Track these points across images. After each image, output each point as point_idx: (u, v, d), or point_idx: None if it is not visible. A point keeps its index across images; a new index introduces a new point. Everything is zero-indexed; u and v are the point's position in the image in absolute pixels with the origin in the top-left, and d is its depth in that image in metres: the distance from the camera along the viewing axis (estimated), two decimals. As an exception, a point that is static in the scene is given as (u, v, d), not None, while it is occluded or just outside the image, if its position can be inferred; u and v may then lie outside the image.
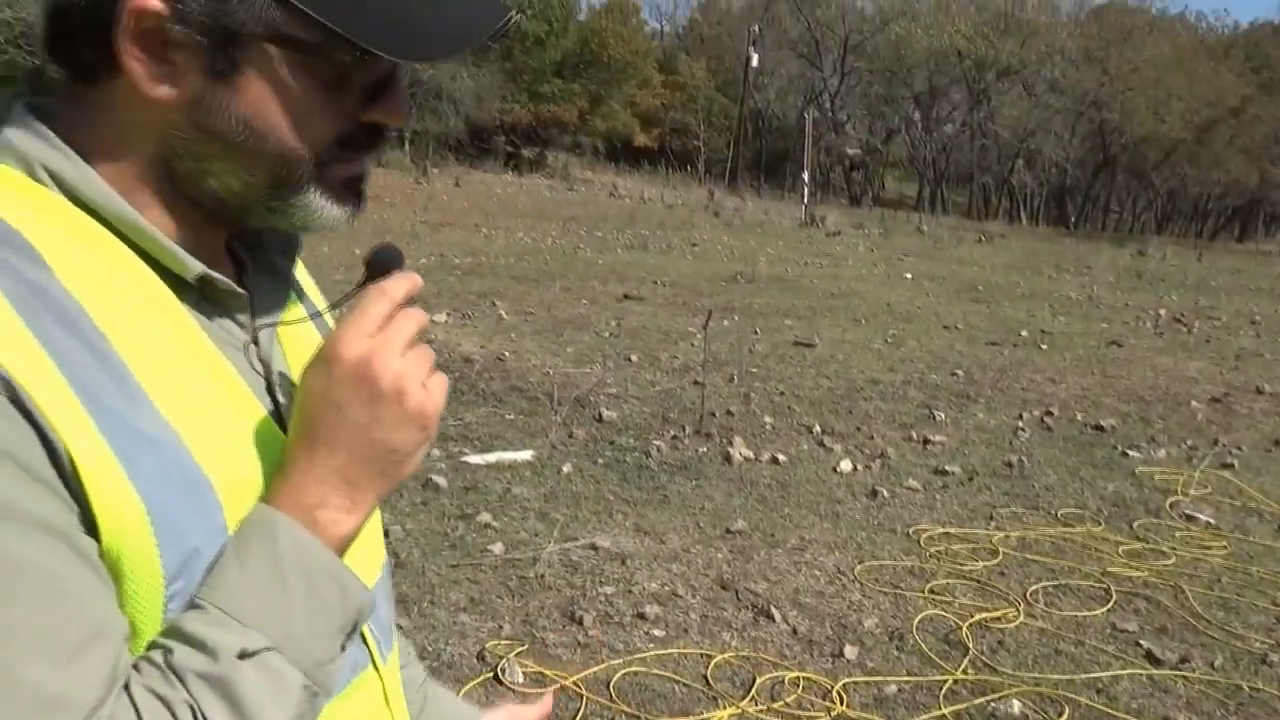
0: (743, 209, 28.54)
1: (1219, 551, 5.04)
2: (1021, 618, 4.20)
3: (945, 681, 3.67)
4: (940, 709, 3.49)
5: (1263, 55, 45.77)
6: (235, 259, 0.88)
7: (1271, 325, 12.91)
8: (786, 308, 11.75)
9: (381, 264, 0.80)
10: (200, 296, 0.80)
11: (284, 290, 0.90)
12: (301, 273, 1.01)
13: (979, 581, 4.55)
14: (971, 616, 4.17)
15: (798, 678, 3.65)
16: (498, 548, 4.53)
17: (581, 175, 37.56)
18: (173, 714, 0.66)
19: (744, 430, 6.54)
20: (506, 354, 8.09)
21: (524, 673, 3.54)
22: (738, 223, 24.53)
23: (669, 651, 3.78)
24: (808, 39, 47.38)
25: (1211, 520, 5.46)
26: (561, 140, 41.85)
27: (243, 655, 0.69)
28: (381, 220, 17.57)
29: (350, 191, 0.82)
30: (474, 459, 5.62)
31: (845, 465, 5.99)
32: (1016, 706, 3.51)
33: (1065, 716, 3.49)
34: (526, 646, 3.73)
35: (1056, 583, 4.58)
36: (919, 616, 4.15)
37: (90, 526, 0.66)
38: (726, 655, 3.77)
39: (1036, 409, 7.58)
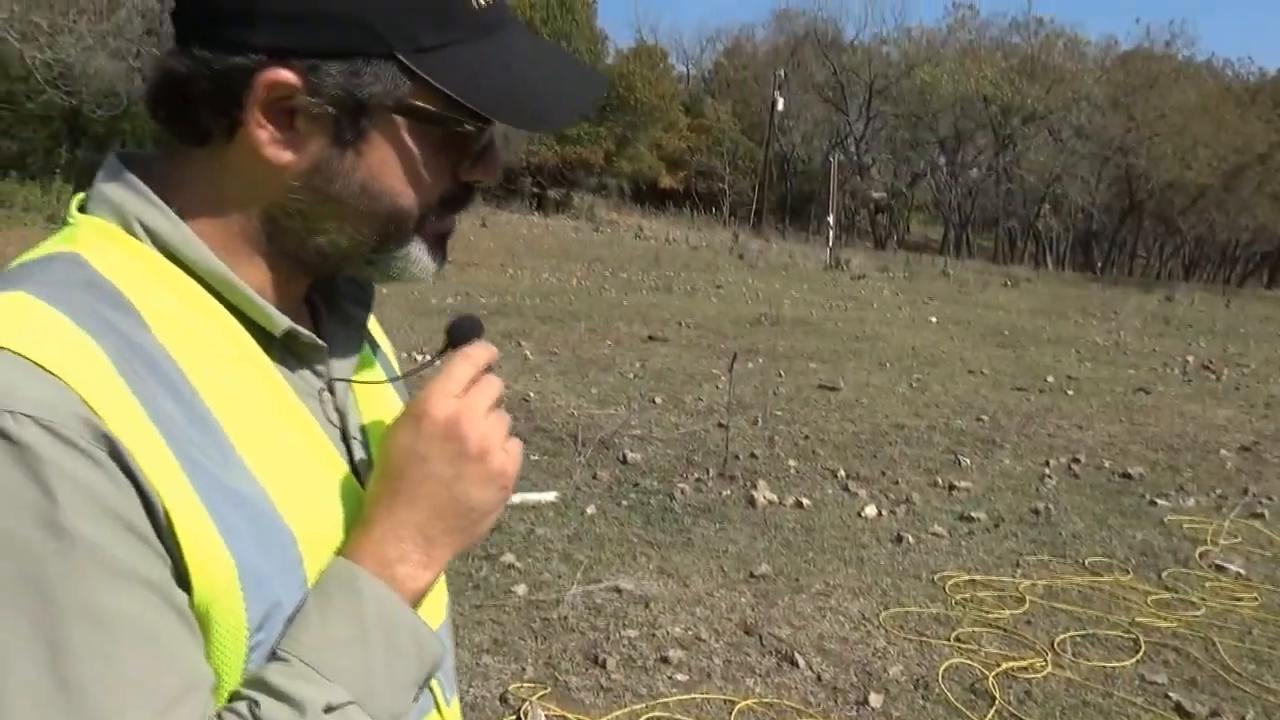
0: (767, 251, 28.60)
1: (1249, 603, 4.97)
2: (1049, 667, 4.15)
3: (971, 731, 3.62)
4: (966, 759, 3.45)
5: (1290, 102, 45.62)
6: (310, 305, 0.90)
7: (1302, 373, 12.78)
8: (811, 351, 11.74)
9: (462, 333, 0.85)
10: (283, 348, 0.82)
11: (357, 339, 0.92)
12: (373, 324, 1.03)
13: (1005, 630, 4.51)
14: (998, 665, 4.13)
15: (822, 725, 3.62)
16: (521, 589, 4.53)
17: (607, 216, 37.77)
18: None
19: (768, 473, 6.53)
20: (531, 394, 8.11)
21: (546, 716, 3.53)
22: (762, 265, 24.58)
23: (692, 696, 3.76)
24: (833, 83, 47.63)
25: (1242, 571, 5.39)
26: (588, 182, 42.13)
27: (328, 709, 0.71)
28: (409, 260, 17.69)
29: (440, 246, 0.86)
30: (498, 499, 5.62)
31: (870, 510, 5.96)
32: (1044, 758, 3.47)
33: (1094, 769, 3.44)
34: (549, 689, 3.72)
35: (1084, 632, 4.53)
36: (945, 665, 4.11)
37: (183, 580, 0.69)
38: (750, 701, 3.75)
39: (1063, 455, 7.53)
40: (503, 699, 3.64)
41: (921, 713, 3.76)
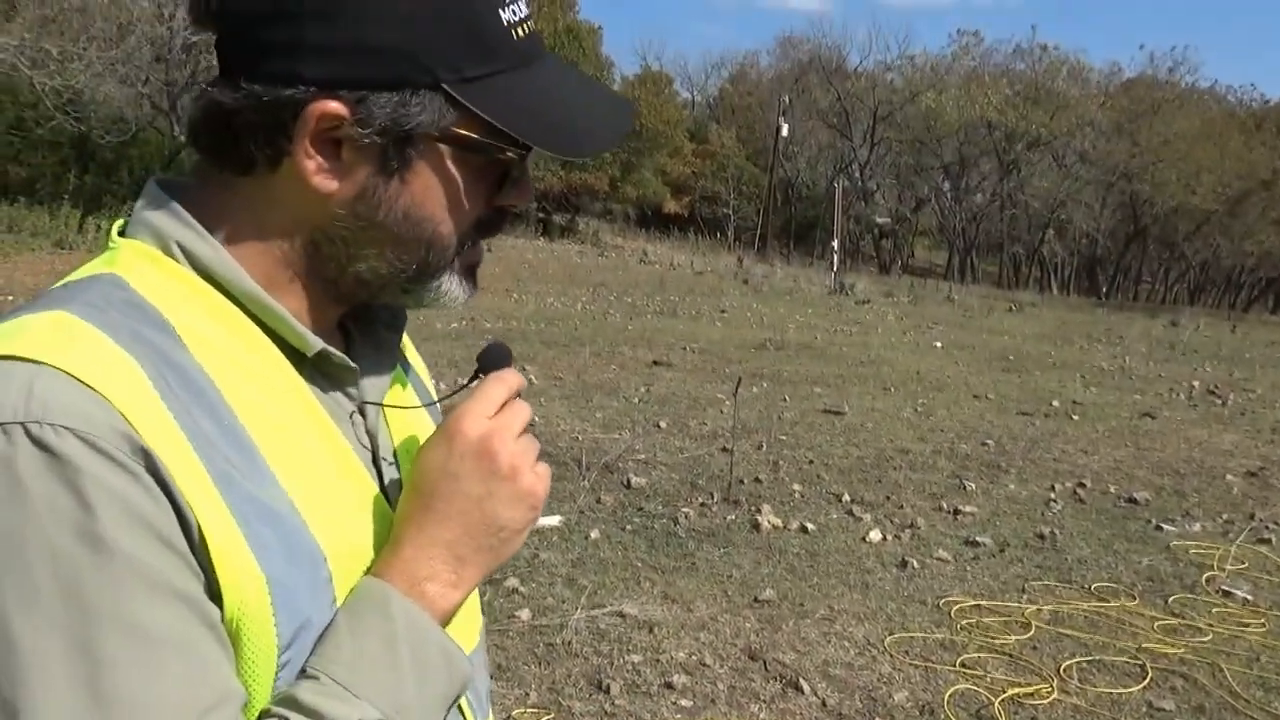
0: (772, 276, 28.64)
1: (1257, 629, 4.94)
2: (1055, 694, 4.13)
3: (977, 758, 3.60)
4: (972, 786, 3.43)
5: (1294, 129, 45.71)
6: (344, 330, 0.91)
7: (1308, 398, 12.75)
8: (815, 375, 11.74)
9: (492, 360, 0.87)
10: (318, 370, 0.84)
11: (389, 363, 0.93)
12: (407, 344, 1.05)
13: (1011, 656, 4.49)
14: (1004, 692, 4.11)
15: (826, 751, 3.60)
16: (525, 614, 4.52)
17: (612, 241, 37.85)
18: None
19: (772, 498, 6.52)
20: (536, 419, 8.11)
21: (550, 741, 3.51)
22: (767, 290, 24.60)
23: (696, 722, 3.74)
24: (838, 109, 47.85)
25: (1249, 596, 5.36)
26: (593, 207, 42.29)
27: None
28: (414, 284, 17.74)
29: (472, 273, 0.88)
30: (502, 523, 5.62)
31: (875, 535, 5.94)
32: (1050, 785, 3.44)
33: (1101, 797, 3.41)
34: (553, 715, 3.70)
35: (1091, 658, 4.51)
36: (950, 690, 4.09)
37: (214, 595, 0.70)
38: (754, 727, 3.73)
39: (1069, 480, 7.50)
40: (506, 724, 3.62)
41: (927, 739, 3.74)
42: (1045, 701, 4.07)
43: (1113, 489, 7.38)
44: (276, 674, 0.73)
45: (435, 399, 1.03)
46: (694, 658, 4.25)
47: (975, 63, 48.05)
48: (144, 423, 0.68)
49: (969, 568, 5.57)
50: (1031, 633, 4.73)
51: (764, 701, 3.94)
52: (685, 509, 6.16)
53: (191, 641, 0.68)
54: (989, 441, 8.65)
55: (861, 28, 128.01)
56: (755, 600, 4.89)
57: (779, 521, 6.05)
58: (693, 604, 4.80)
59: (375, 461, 0.86)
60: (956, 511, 6.53)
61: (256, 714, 0.72)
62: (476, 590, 1.02)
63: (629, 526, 5.82)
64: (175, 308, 0.76)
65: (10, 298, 11.82)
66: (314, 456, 0.79)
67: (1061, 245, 47.17)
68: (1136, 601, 5.23)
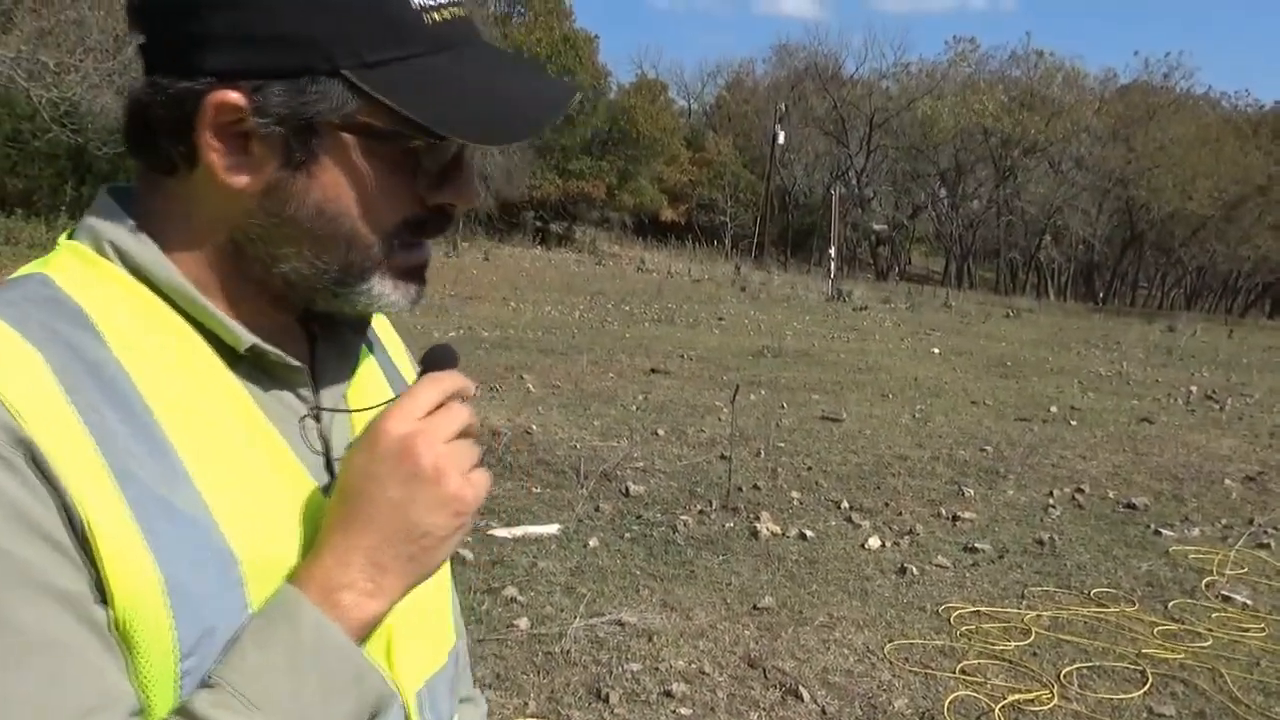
0: (769, 283, 28.67)
1: (1257, 634, 4.94)
2: (1055, 700, 4.12)
3: (978, 765, 3.59)
4: (973, 794, 3.42)
5: (1290, 134, 45.83)
6: (311, 333, 0.90)
7: (1306, 403, 12.76)
8: (813, 382, 11.74)
9: (435, 361, 0.83)
10: (257, 369, 0.82)
11: (351, 367, 0.91)
12: (395, 345, 1.04)
13: (1011, 662, 4.48)
14: (1004, 698, 4.10)
15: (827, 759, 3.59)
16: (524, 622, 4.51)
17: (609, 250, 37.91)
18: None
19: (771, 505, 6.51)
20: (534, 427, 8.11)
21: (549, 750, 3.50)
22: (764, 297, 24.63)
23: (696, 730, 3.73)
24: (834, 117, 47.93)
25: (1249, 601, 5.35)
26: (590, 215, 42.31)
27: None
28: (411, 293, 17.74)
29: (413, 277, 0.84)
30: (500, 532, 5.62)
31: (874, 542, 5.94)
32: (1051, 792, 3.43)
33: (1102, 803, 3.40)
34: (552, 724, 3.69)
35: (1091, 664, 4.50)
36: (950, 697, 4.08)
37: (103, 593, 0.68)
38: (754, 735, 3.72)
39: (1067, 486, 7.50)
40: (505, 734, 3.61)
41: (927, 746, 3.73)
42: (1045, 708, 4.06)
43: (1111, 494, 7.38)
44: (179, 681, 0.70)
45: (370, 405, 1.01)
46: (693, 666, 4.24)
47: (971, 69, 48.21)
48: (35, 415, 0.67)
49: (968, 574, 5.57)
50: (1031, 639, 4.73)
51: (763, 709, 3.93)
52: (684, 517, 6.15)
53: (67, 641, 0.66)
54: (987, 447, 8.64)
55: (857, 35, 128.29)
56: (754, 608, 4.88)
57: (778, 529, 6.04)
58: (692, 612, 4.79)
59: (329, 466, 0.84)
60: (955, 518, 6.53)
61: None
62: (451, 606, 1.00)
63: (628, 534, 5.82)
64: (102, 306, 0.75)
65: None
66: (240, 457, 0.77)
67: (1058, 251, 47.25)
68: (1136, 607, 5.23)
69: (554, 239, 38.47)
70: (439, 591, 0.97)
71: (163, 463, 0.72)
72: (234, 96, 0.73)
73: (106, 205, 0.81)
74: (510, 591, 4.82)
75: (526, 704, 3.82)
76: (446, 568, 0.99)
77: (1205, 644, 4.78)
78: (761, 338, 15.81)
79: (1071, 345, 18.77)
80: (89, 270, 0.78)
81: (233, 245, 0.79)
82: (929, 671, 4.34)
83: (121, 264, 0.78)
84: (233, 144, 0.75)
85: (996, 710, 3.98)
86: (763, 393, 10.68)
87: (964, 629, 4.80)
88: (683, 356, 13.07)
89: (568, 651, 4.28)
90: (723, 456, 7.43)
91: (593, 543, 5.58)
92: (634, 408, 9.44)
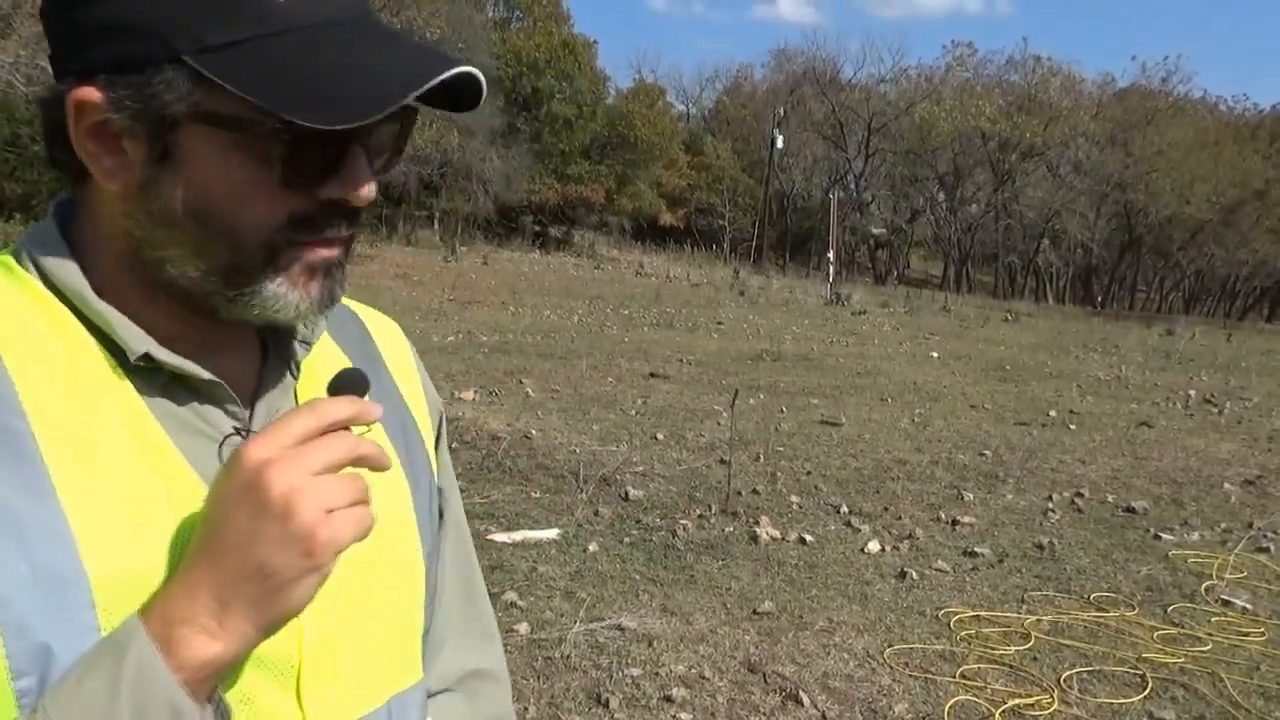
0: (768, 287, 28.68)
1: (1256, 638, 4.93)
2: (1056, 704, 4.11)
3: (978, 770, 3.59)
4: (973, 799, 3.41)
5: (1288, 137, 45.91)
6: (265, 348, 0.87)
7: (1304, 406, 12.76)
8: (812, 386, 11.74)
9: (339, 387, 0.76)
10: (176, 382, 0.79)
11: (293, 384, 0.87)
12: (400, 361, 1.01)
13: (1011, 667, 4.47)
14: (1004, 703, 4.09)
15: (827, 764, 3.58)
16: (523, 627, 4.51)
17: (608, 254, 37.96)
18: None
19: (771, 510, 6.51)
20: (533, 432, 8.10)
21: (549, 756, 3.50)
22: (763, 301, 24.64)
23: (696, 735, 3.72)
24: (832, 121, 48.01)
25: (1248, 605, 5.35)
26: (588, 219, 42.37)
27: None
28: (410, 298, 17.77)
29: (314, 278, 0.77)
30: (500, 537, 5.61)
31: (873, 546, 5.93)
32: (1052, 797, 3.43)
33: (1102, 808, 3.40)
34: (552, 729, 3.68)
35: (1091, 669, 4.50)
36: (950, 702, 4.08)
37: None
38: (754, 740, 3.71)
39: (1066, 490, 7.50)
40: (505, 739, 3.60)
41: (927, 751, 3.73)
42: (1046, 712, 4.05)
43: (1111, 498, 7.38)
44: (17, 701, 0.67)
45: (419, 425, 0.99)
46: (693, 671, 4.23)
47: (969, 74, 48.30)
48: None
49: (968, 578, 5.56)
50: (1031, 643, 4.72)
51: (764, 714, 3.93)
52: (683, 521, 6.15)
53: None
54: (986, 451, 8.64)
55: (855, 40, 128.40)
56: (754, 612, 4.88)
57: (777, 533, 6.04)
58: (691, 617, 4.79)
59: None
60: (955, 522, 6.52)
61: None
62: (412, 644, 0.93)
63: (627, 539, 5.81)
64: (3, 313, 0.74)
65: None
66: (122, 473, 0.73)
67: (1056, 255, 47.30)
68: (1136, 611, 5.22)
69: (552, 243, 38.52)
70: (391, 627, 0.90)
71: (23, 472, 0.69)
72: (91, 94, 0.71)
73: (48, 216, 0.80)
74: (510, 596, 4.82)
75: (526, 709, 3.82)
76: (415, 601, 0.94)
77: (1205, 648, 4.78)
78: (760, 342, 15.82)
79: (1070, 349, 18.78)
80: (4, 279, 0.77)
81: (130, 251, 0.77)
82: (929, 676, 4.33)
83: (36, 273, 0.77)
84: (107, 145, 0.73)
85: (997, 715, 3.98)
86: (762, 397, 10.68)
87: (964, 633, 4.80)
88: (682, 361, 13.07)
89: (567, 656, 4.27)
90: (722, 461, 7.42)
91: (592, 547, 5.58)
92: (633, 412, 9.44)
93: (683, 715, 3.86)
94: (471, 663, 1.07)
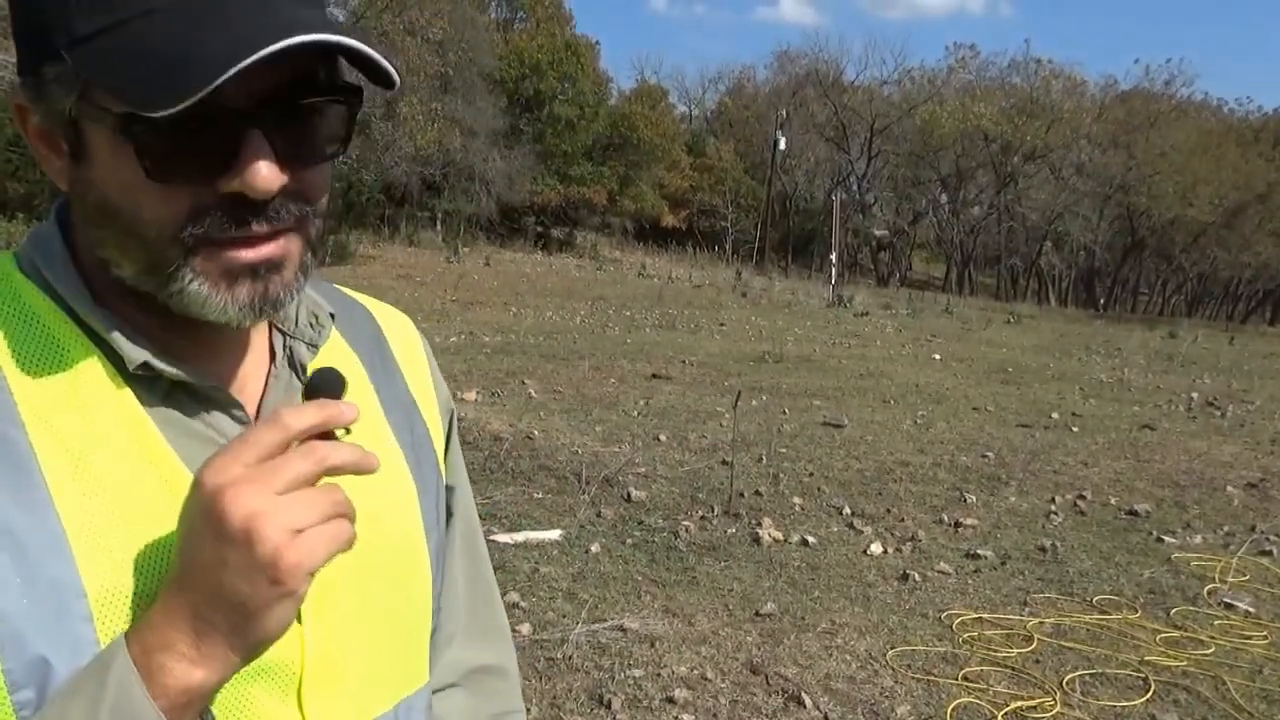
0: (770, 289, 28.67)
1: (1259, 641, 4.93)
2: (1058, 707, 4.11)
3: (981, 772, 3.58)
4: (976, 801, 3.41)
5: (1291, 140, 45.88)
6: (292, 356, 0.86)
7: (1307, 409, 12.75)
8: (815, 388, 11.73)
9: (314, 390, 0.73)
10: (183, 390, 0.78)
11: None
12: (415, 366, 0.99)
13: (1014, 669, 4.47)
14: (1007, 705, 4.09)
15: (829, 766, 3.58)
16: (525, 628, 4.51)
17: (610, 255, 37.94)
18: None
19: (773, 511, 6.51)
20: (535, 432, 8.10)
21: (551, 757, 3.50)
22: (765, 302, 24.63)
23: (698, 737, 3.72)
24: (835, 123, 48.00)
25: (1251, 609, 5.34)
26: (591, 220, 42.38)
27: None
28: (413, 299, 17.78)
29: (238, 281, 0.73)
30: (502, 538, 5.61)
31: (876, 548, 5.93)
32: (1054, 800, 3.42)
33: (1105, 811, 3.39)
34: (554, 730, 3.68)
35: (1093, 671, 4.49)
36: (953, 704, 4.07)
37: None
38: (756, 742, 3.71)
39: (1069, 492, 7.49)
40: (507, 740, 3.60)
41: (930, 753, 3.72)
42: (1048, 715, 4.05)
43: (1113, 501, 7.37)
44: (16, 713, 0.67)
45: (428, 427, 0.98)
46: (695, 672, 4.23)
47: (971, 76, 48.27)
48: None
49: (970, 580, 5.56)
50: (1034, 645, 4.72)
51: (766, 716, 3.92)
52: (686, 522, 6.14)
53: None
54: (989, 454, 8.64)
55: (858, 41, 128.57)
56: (756, 614, 4.88)
57: (780, 535, 6.03)
58: (694, 618, 4.78)
59: None
60: (957, 524, 6.52)
61: None
62: (418, 647, 0.92)
63: (629, 540, 5.81)
64: (3, 321, 0.74)
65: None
66: (121, 485, 0.72)
67: (1059, 257, 47.28)
68: (1138, 614, 5.22)
69: (555, 244, 38.51)
70: (398, 629, 0.89)
71: (22, 485, 0.68)
72: (20, 97, 0.72)
73: (49, 219, 0.80)
74: (512, 597, 4.82)
75: (529, 710, 3.82)
76: (423, 602, 0.94)
77: (1208, 651, 4.77)
78: (763, 343, 15.81)
79: (1073, 351, 18.77)
80: (3, 285, 0.76)
81: (91, 251, 0.76)
82: (931, 678, 4.33)
83: (36, 280, 0.77)
84: (51, 145, 0.74)
85: (999, 717, 3.98)
86: (764, 398, 10.67)
87: (966, 636, 4.79)
88: (684, 362, 13.06)
89: (570, 657, 4.27)
90: (724, 462, 7.42)
91: (594, 548, 5.58)
92: (635, 413, 9.44)
93: (685, 716, 3.86)
94: (480, 658, 1.07)
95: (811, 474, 7.56)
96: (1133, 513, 7.06)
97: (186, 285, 0.71)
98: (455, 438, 1.06)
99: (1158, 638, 4.90)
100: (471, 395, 9.50)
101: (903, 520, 6.57)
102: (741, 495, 6.77)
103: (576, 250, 38.28)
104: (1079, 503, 7.24)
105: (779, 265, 42.41)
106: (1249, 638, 4.96)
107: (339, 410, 0.69)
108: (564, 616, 4.69)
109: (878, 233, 48.36)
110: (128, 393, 0.75)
